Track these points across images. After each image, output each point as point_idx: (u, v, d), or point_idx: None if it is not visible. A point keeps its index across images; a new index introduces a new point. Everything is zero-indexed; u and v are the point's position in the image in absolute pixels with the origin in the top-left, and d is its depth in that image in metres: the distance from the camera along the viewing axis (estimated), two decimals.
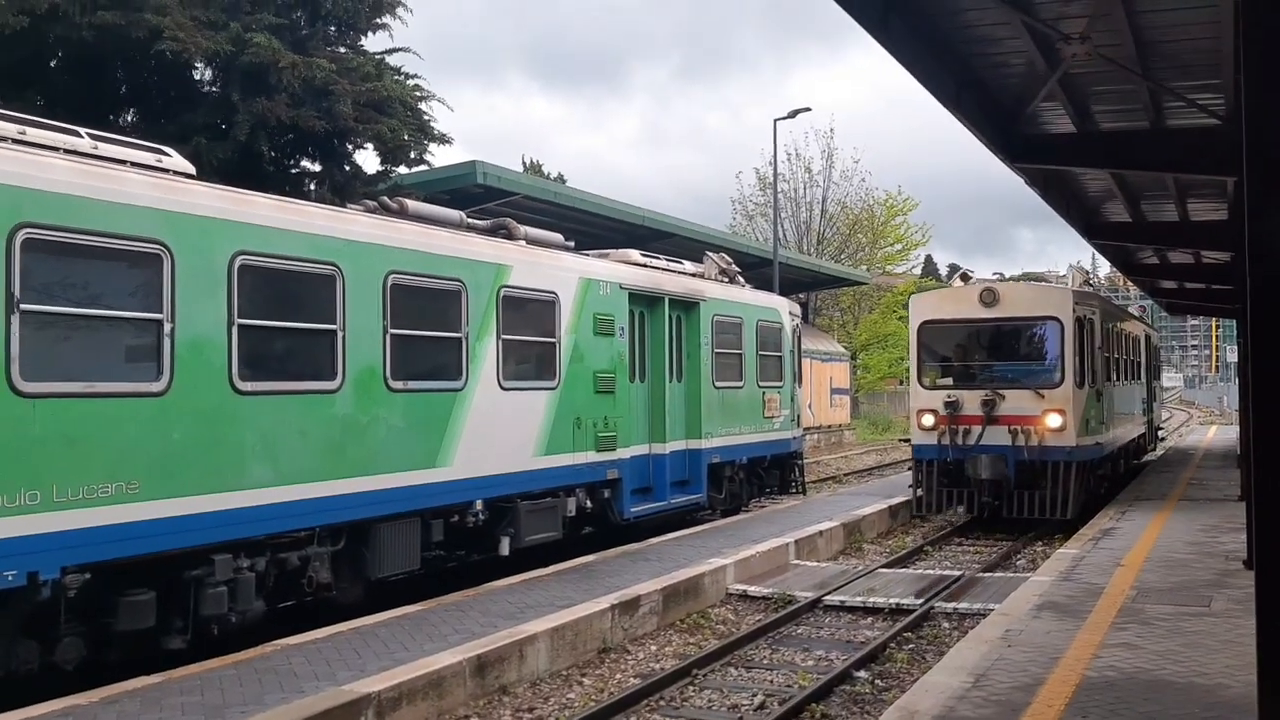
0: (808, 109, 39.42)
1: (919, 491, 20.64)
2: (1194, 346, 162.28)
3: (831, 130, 78.64)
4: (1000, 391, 19.91)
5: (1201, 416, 75.17)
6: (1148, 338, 32.79)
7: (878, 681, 10.86)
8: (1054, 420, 19.53)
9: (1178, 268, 29.67)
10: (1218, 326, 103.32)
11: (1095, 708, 8.14)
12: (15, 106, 12.77)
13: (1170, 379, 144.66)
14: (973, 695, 8.49)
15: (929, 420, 20.32)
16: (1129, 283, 43.88)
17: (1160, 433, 41.86)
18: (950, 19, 11.61)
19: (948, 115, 13.40)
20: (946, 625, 13.17)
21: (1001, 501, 20.02)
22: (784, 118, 39.32)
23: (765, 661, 11.56)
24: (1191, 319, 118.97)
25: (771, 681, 10.83)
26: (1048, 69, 12.45)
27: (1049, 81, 12.65)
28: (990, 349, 21.12)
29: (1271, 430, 4.11)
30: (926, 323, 21.22)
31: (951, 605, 13.71)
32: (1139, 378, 29.61)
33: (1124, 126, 15.29)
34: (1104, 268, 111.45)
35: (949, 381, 20.79)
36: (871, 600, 13.94)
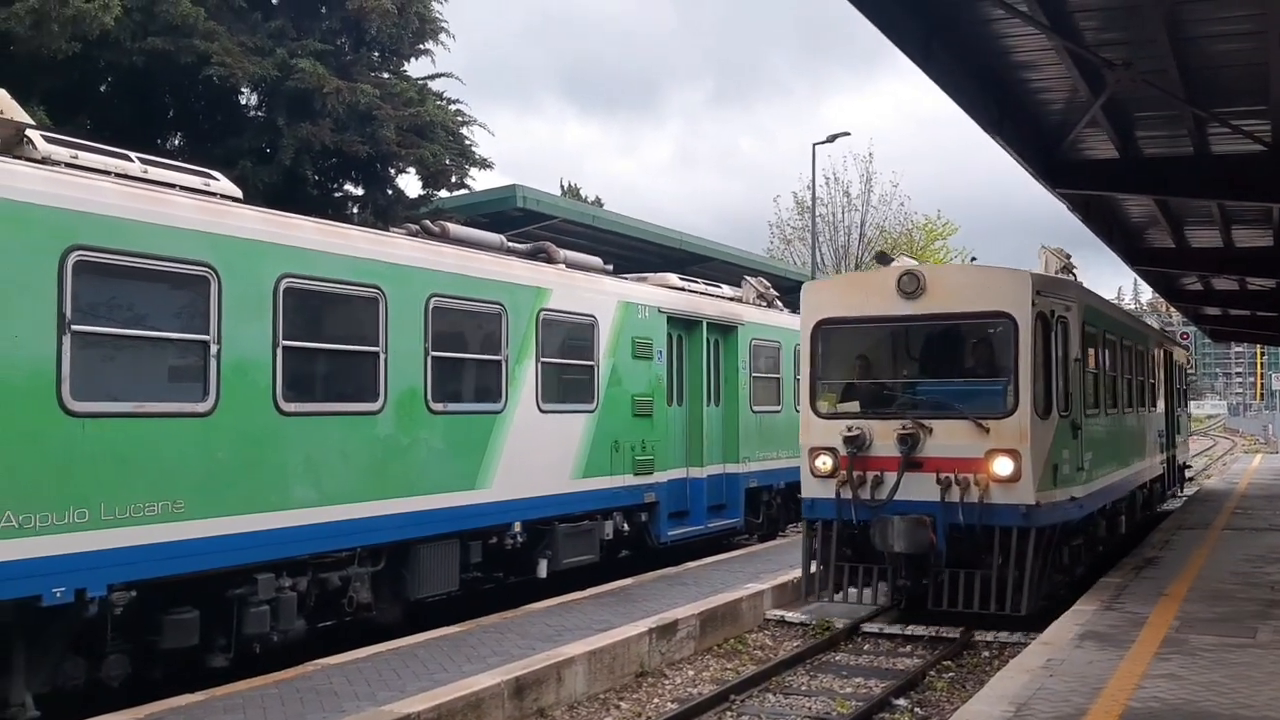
0: (847, 134, 39.42)
1: (813, 566, 14.05)
2: (1238, 374, 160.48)
3: (870, 154, 78.46)
4: (925, 422, 13.49)
5: (1245, 445, 74.32)
6: (1169, 354, 26.14)
7: (917, 710, 10.79)
8: (1003, 466, 13.08)
9: (1222, 294, 29.43)
10: (1263, 354, 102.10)
11: None
12: (67, 130, 13.05)
13: (1214, 406, 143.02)
14: None
15: (825, 463, 13.86)
16: (1171, 308, 43.53)
17: (1188, 471, 35.20)
18: (992, 45, 11.66)
19: (983, 139, 13.49)
20: (987, 654, 13.06)
21: (928, 584, 13.65)
22: (822, 142, 39.32)
23: (803, 688, 11.52)
24: (1235, 346, 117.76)
25: (809, 709, 10.78)
26: (1090, 95, 12.46)
27: (1092, 108, 12.66)
28: (913, 361, 15.03)
29: None
30: (824, 322, 14.50)
31: (992, 634, 13.60)
32: (1154, 404, 22.67)
33: (1167, 152, 15.27)
34: (1146, 293, 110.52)
35: (854, 407, 14.31)
36: (910, 628, 13.84)
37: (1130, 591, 14.20)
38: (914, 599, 14.06)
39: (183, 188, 10.25)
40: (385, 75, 22.29)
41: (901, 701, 10.96)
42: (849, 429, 13.63)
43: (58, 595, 8.54)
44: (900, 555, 13.34)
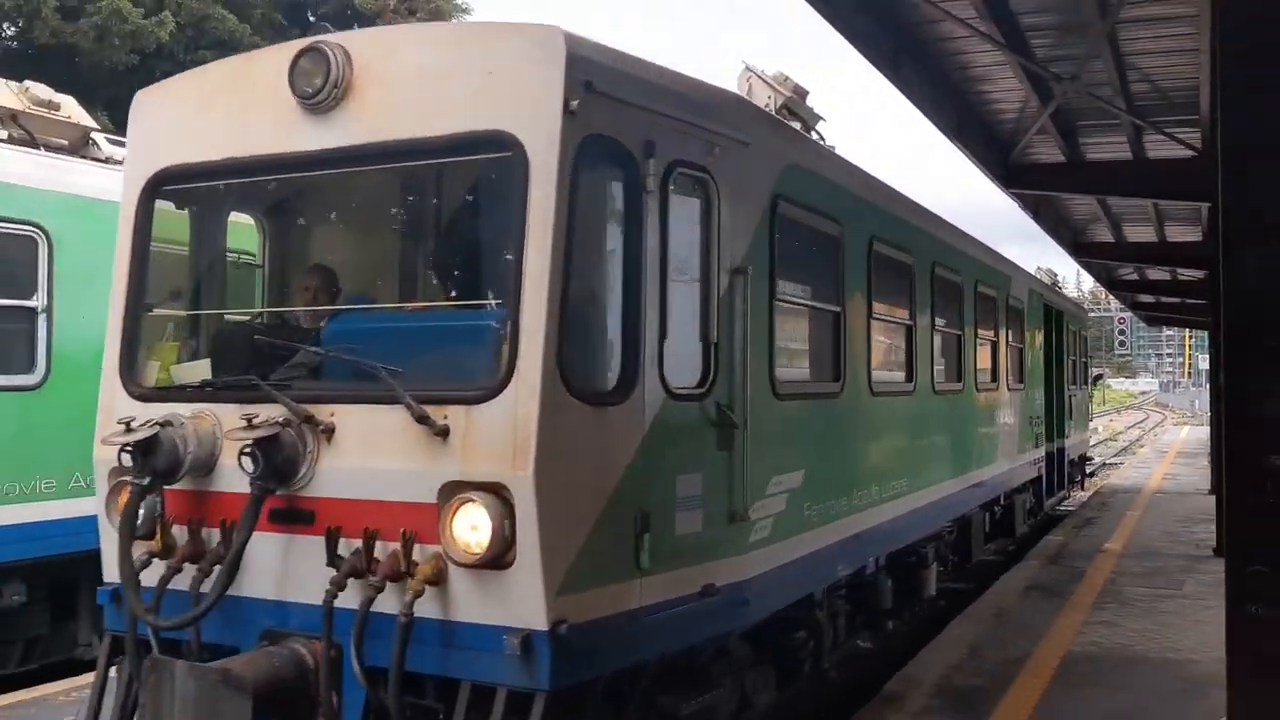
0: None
1: None
2: (1169, 354, 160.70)
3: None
4: (318, 411, 4.94)
5: (1175, 418, 74.43)
6: (1058, 316, 17.96)
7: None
8: (470, 525, 4.51)
9: (1155, 284, 29.40)
10: (1190, 337, 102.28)
11: (1078, 679, 8.08)
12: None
13: (1147, 384, 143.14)
14: (969, 666, 8.44)
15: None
16: (1110, 295, 43.51)
17: (1089, 466, 25.77)
18: (953, 60, 11.60)
19: (924, 140, 13.35)
20: (943, 602, 13.08)
21: None
22: None
23: None
24: (1167, 330, 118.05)
25: None
26: (1040, 105, 12.40)
27: (1041, 117, 12.59)
28: (321, 259, 6.34)
29: (1238, 433, 4.08)
30: (161, 179, 5.68)
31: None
32: (1019, 380, 14.03)
33: (1109, 157, 15.20)
34: (1088, 282, 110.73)
35: (197, 370, 5.68)
36: None
37: (1071, 549, 14.24)
38: None
39: None
40: None
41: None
42: (131, 423, 5.16)
43: None
44: None
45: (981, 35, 10.21)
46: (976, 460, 11.54)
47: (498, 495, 4.52)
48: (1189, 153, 13.38)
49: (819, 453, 7.08)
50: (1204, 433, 42.43)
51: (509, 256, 4.74)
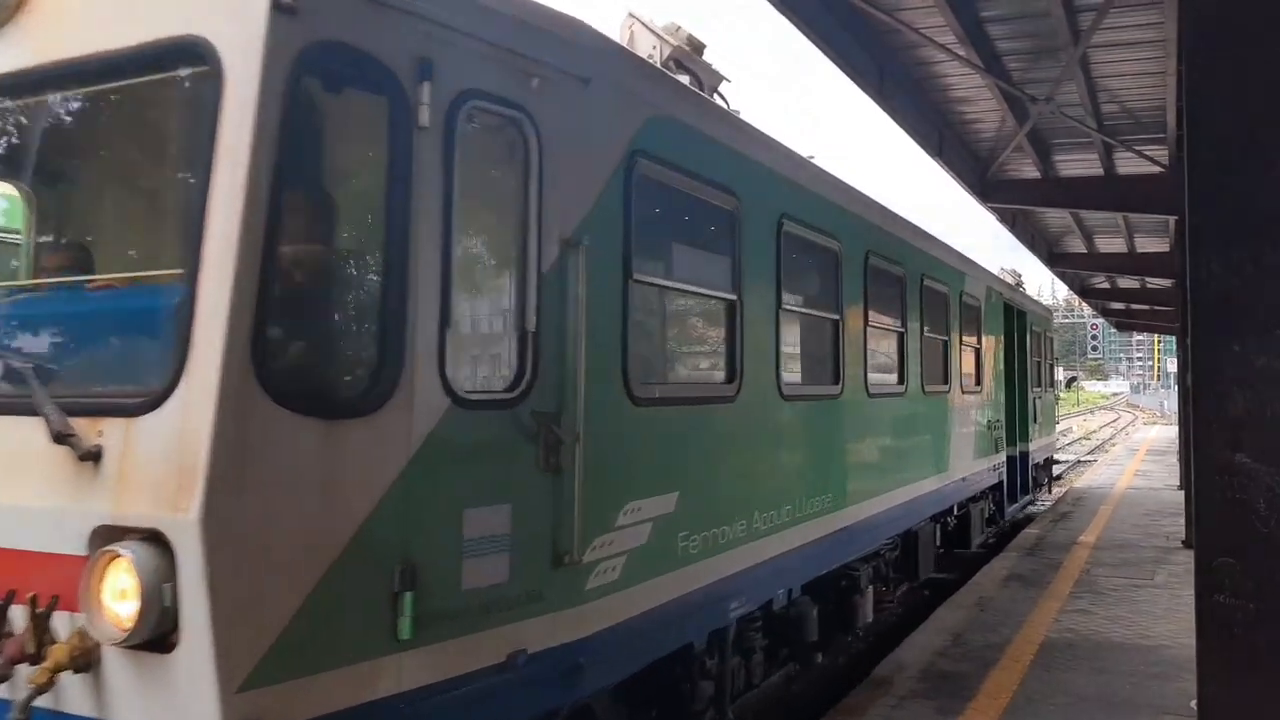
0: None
1: None
2: (1139, 358, 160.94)
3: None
4: None
5: (1145, 418, 74.52)
6: (1020, 316, 16.29)
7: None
8: (120, 590, 3.01)
9: (1126, 291, 29.53)
10: (1159, 342, 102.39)
11: (1055, 663, 8.18)
12: None
13: (1119, 386, 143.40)
14: (952, 651, 8.53)
15: None
16: (1084, 302, 43.58)
17: (1056, 468, 23.72)
18: (934, 82, 11.72)
19: (897, 158, 13.44)
20: (928, 593, 13.14)
21: None
22: None
23: None
24: (1137, 335, 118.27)
25: None
26: (1016, 125, 12.51)
27: (1017, 136, 12.70)
28: (56, 241, 4.55)
29: (1205, 432, 4.15)
30: None
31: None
32: (975, 381, 12.77)
33: (1081, 173, 15.31)
34: (1062, 290, 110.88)
35: None
36: None
37: (1048, 541, 14.32)
38: None
39: None
40: None
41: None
42: None
43: None
44: None
45: (961, 60, 10.32)
46: (923, 469, 10.06)
47: (156, 546, 3.02)
48: (1157, 169, 13.50)
49: (702, 470, 5.49)
50: (1172, 432, 42.52)
51: (194, 209, 3.27)
